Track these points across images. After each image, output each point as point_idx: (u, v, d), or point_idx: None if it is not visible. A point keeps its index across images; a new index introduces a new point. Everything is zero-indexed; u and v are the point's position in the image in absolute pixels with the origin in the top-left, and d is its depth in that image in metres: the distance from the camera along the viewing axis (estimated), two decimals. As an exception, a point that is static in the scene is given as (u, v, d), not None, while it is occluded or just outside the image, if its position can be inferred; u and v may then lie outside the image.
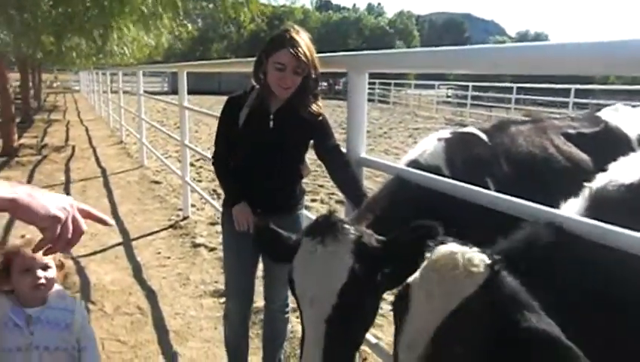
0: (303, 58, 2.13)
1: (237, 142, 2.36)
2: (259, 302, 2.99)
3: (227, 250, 2.59)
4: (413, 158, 2.07)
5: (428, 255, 1.22)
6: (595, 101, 16.44)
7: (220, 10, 6.06)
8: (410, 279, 1.23)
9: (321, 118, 2.35)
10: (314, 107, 2.31)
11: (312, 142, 2.42)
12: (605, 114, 2.60)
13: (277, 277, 2.50)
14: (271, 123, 2.32)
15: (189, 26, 7.19)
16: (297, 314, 3.70)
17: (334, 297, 1.51)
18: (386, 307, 4.00)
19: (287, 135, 2.32)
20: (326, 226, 1.59)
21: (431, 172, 1.86)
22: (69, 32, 6.17)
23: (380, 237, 1.64)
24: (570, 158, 2.24)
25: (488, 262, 1.13)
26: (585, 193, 1.45)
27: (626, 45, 1.16)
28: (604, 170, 1.60)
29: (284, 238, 1.77)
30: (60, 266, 2.01)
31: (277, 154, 2.34)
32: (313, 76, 2.24)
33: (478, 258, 1.14)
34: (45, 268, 1.90)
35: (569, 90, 16.66)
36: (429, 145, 2.11)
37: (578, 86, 16.87)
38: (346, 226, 1.59)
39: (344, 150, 2.37)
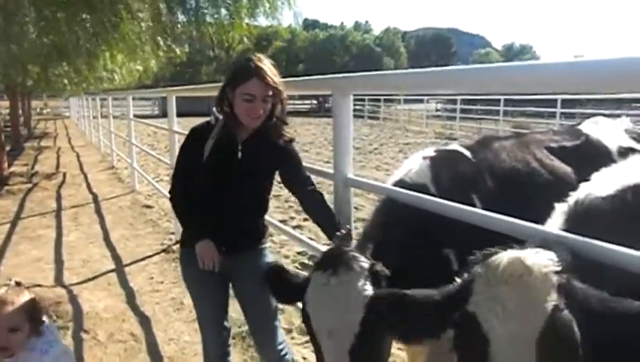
0: (272, 85, 2.11)
1: (200, 175, 2.25)
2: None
3: (196, 290, 2.47)
4: (399, 178, 2.10)
5: (476, 270, 1.14)
6: (582, 110, 16.65)
7: (205, 34, 6.12)
8: (466, 307, 1.13)
9: (291, 144, 2.32)
10: (285, 134, 2.28)
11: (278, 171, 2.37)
12: (586, 127, 2.66)
13: (259, 312, 2.42)
14: (239, 153, 2.25)
15: (177, 50, 7.23)
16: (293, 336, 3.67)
17: (356, 327, 1.51)
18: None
19: (255, 165, 2.26)
20: (336, 257, 1.61)
21: (417, 190, 1.88)
22: (55, 62, 6.20)
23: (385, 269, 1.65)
24: (552, 172, 2.29)
25: (556, 265, 1.08)
26: (564, 207, 1.48)
27: (611, 63, 1.19)
28: (586, 181, 1.64)
29: (292, 277, 1.78)
30: (33, 318, 1.94)
31: (244, 186, 2.27)
32: (280, 102, 2.22)
33: (544, 259, 1.08)
34: (11, 330, 1.85)
35: (556, 100, 16.86)
36: (415, 163, 2.14)
37: (565, 96, 17.07)
38: (357, 255, 1.61)
39: (331, 171, 2.40)
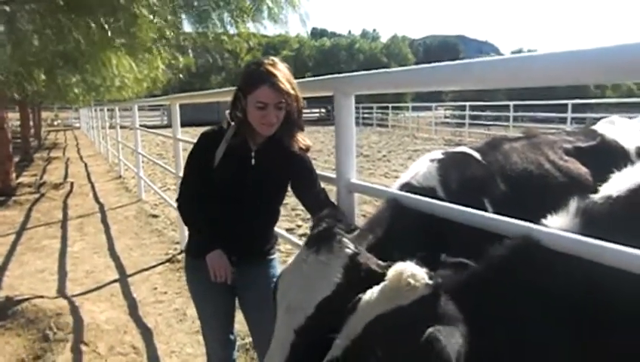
0: (285, 92, 1.98)
1: (211, 183, 2.13)
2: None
3: (201, 302, 2.37)
4: (406, 181, 1.99)
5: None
6: (592, 115, 16.43)
7: (209, 40, 6.07)
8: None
9: (306, 153, 2.20)
10: (301, 141, 2.16)
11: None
12: (601, 127, 2.53)
13: (265, 325, 2.09)
14: (252, 160, 2.15)
15: (181, 58, 7.19)
16: None
17: (311, 308, 1.42)
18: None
19: (269, 173, 2.15)
20: (323, 238, 1.52)
21: (425, 194, 1.77)
22: (60, 69, 6.19)
23: (380, 262, 1.52)
24: (566, 173, 2.16)
25: (430, 281, 1.20)
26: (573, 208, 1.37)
27: (620, 50, 1.09)
28: (603, 183, 1.52)
29: None
30: None
31: (257, 194, 2.16)
32: (296, 107, 2.09)
33: (421, 275, 1.22)
34: None
35: (566, 105, 16.66)
36: (422, 166, 2.03)
37: (575, 101, 16.87)
38: (345, 241, 1.50)
39: (334, 175, 2.29)
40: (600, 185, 1.52)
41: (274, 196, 2.26)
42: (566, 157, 2.24)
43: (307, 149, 2.20)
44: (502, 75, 1.46)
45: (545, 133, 2.61)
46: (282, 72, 2.01)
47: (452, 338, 1.07)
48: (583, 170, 2.19)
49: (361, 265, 1.46)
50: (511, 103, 20.09)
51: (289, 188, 2.29)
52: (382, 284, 1.26)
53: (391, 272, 1.25)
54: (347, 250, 1.48)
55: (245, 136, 2.13)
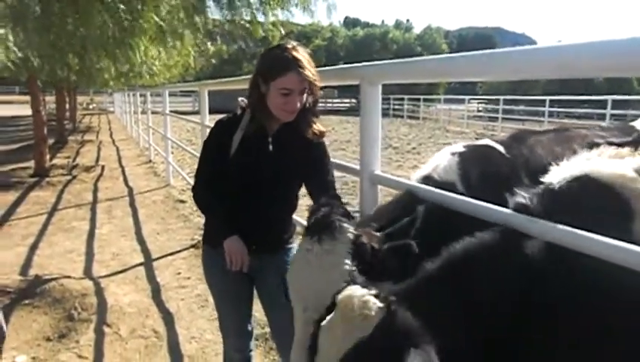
0: (311, 78, 1.93)
1: (228, 170, 2.10)
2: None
3: (218, 291, 2.34)
4: (425, 174, 1.91)
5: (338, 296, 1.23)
6: (634, 112, 15.82)
7: (238, 27, 6.04)
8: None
9: (322, 140, 2.15)
10: (316, 127, 2.11)
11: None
12: None
13: (283, 315, 2.08)
14: (270, 147, 2.11)
15: (215, 44, 7.20)
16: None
17: (329, 300, 1.38)
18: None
19: (287, 159, 2.10)
20: (324, 224, 1.49)
21: (445, 188, 1.69)
22: (91, 53, 6.26)
23: (379, 237, 1.52)
24: None
25: (381, 304, 1.15)
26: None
27: None
28: None
29: None
30: None
31: (276, 181, 2.11)
32: (314, 94, 2.04)
33: (372, 301, 1.16)
34: None
35: (605, 101, 16.10)
36: (443, 159, 1.95)
37: (615, 97, 16.29)
38: (345, 225, 1.49)
39: (357, 166, 2.22)
40: None
41: (292, 182, 2.21)
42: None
43: (322, 135, 2.15)
44: (541, 65, 1.35)
45: (575, 127, 2.48)
46: (306, 57, 1.96)
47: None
48: None
49: (365, 245, 1.46)
50: (547, 98, 19.51)
51: None
52: (334, 317, 1.20)
53: (340, 304, 1.20)
54: (349, 234, 1.47)
55: (263, 122, 2.08)
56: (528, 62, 1.38)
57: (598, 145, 2.15)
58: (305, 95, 1.99)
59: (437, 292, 1.26)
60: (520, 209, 1.34)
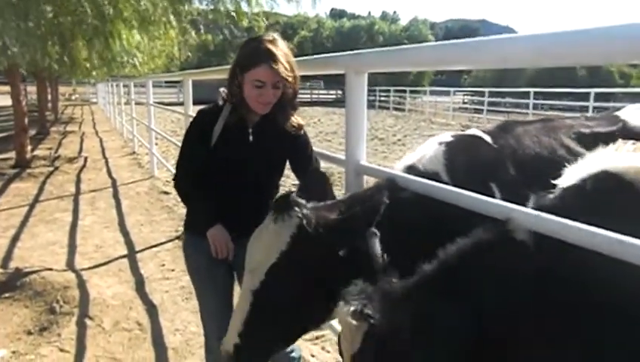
0: (284, 72, 1.93)
1: (209, 160, 2.11)
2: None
3: (199, 282, 2.33)
4: (410, 164, 1.90)
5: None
6: (616, 105, 16.01)
7: (222, 15, 5.96)
8: None
9: (302, 132, 2.18)
10: (294, 120, 2.13)
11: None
12: (626, 113, 2.39)
13: None
14: (250, 137, 2.13)
15: (199, 33, 7.10)
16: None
17: (263, 274, 1.60)
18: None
19: (267, 149, 2.13)
20: (282, 205, 1.62)
21: (429, 178, 1.69)
22: (72, 41, 6.13)
23: (333, 217, 1.62)
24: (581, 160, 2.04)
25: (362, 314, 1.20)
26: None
27: None
28: None
29: None
30: None
31: (256, 170, 2.14)
32: (293, 87, 2.05)
33: (352, 312, 1.20)
34: None
35: (588, 94, 16.26)
36: (429, 149, 1.94)
37: (598, 90, 16.47)
38: (296, 208, 1.59)
39: (343, 156, 2.21)
40: None
41: (273, 172, 2.23)
42: (581, 143, 2.11)
43: (299, 128, 2.18)
44: (524, 54, 1.35)
45: (560, 117, 2.48)
46: (282, 50, 1.96)
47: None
48: None
49: (307, 229, 1.57)
50: (531, 90, 19.67)
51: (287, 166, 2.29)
52: (343, 332, 1.27)
53: (341, 319, 1.27)
54: (295, 218, 1.58)
55: (242, 114, 2.10)
56: (512, 50, 1.37)
57: (584, 134, 2.16)
58: (280, 89, 2.00)
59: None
60: (543, 209, 1.29)
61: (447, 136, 2.02)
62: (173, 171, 6.92)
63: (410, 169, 1.87)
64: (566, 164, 2.01)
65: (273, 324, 1.64)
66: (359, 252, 1.58)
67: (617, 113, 2.41)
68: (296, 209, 1.59)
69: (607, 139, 2.17)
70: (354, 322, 1.19)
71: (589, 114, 15.36)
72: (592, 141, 2.14)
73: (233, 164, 2.12)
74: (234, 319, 1.66)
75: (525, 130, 2.09)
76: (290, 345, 2.17)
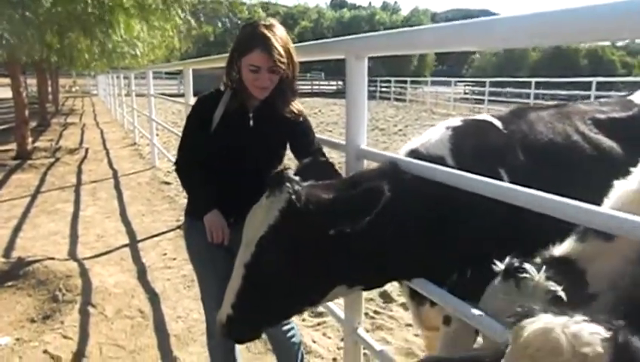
0: (279, 56, 1.93)
1: (209, 145, 2.12)
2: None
3: (200, 265, 2.34)
4: (414, 147, 1.90)
5: (512, 332, 0.88)
6: (618, 94, 15.95)
7: (223, 5, 5.93)
8: None
9: (302, 118, 2.18)
10: (293, 106, 2.13)
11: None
12: (638, 97, 2.36)
13: None
14: (250, 122, 2.13)
15: (199, 22, 7.07)
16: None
17: (253, 246, 1.64)
18: (396, 309, 3.81)
19: (267, 134, 2.13)
20: (276, 181, 1.64)
21: (432, 161, 1.69)
22: (70, 31, 6.10)
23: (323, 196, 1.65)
24: (597, 147, 2.01)
25: (606, 334, 0.77)
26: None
27: None
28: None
29: None
30: None
31: (255, 155, 2.13)
32: (291, 72, 2.05)
33: (587, 331, 0.78)
34: None
35: (590, 83, 16.19)
36: (436, 133, 1.93)
37: (600, 78, 16.39)
38: (288, 184, 1.61)
39: (343, 142, 2.21)
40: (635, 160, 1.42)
41: (273, 157, 2.22)
42: (597, 129, 2.08)
43: (299, 114, 2.18)
44: (527, 33, 1.33)
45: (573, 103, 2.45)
46: (278, 35, 1.96)
47: None
48: (615, 143, 2.04)
49: (295, 205, 1.59)
50: (532, 80, 19.58)
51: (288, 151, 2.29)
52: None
53: (532, 343, 0.83)
54: (285, 194, 1.60)
55: (242, 97, 2.10)
56: (513, 29, 1.36)
57: (600, 120, 2.13)
58: (277, 73, 2.00)
59: None
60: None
61: (456, 121, 2.01)
62: (174, 160, 6.88)
63: (413, 153, 1.86)
64: (580, 151, 2.00)
65: (263, 298, 1.67)
66: (350, 234, 1.58)
67: (631, 97, 2.38)
68: (288, 185, 1.60)
69: (625, 124, 2.15)
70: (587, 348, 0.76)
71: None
72: (608, 127, 2.11)
73: (233, 149, 2.12)
74: (228, 291, 1.70)
75: (539, 116, 2.07)
76: (283, 321, 2.23)
